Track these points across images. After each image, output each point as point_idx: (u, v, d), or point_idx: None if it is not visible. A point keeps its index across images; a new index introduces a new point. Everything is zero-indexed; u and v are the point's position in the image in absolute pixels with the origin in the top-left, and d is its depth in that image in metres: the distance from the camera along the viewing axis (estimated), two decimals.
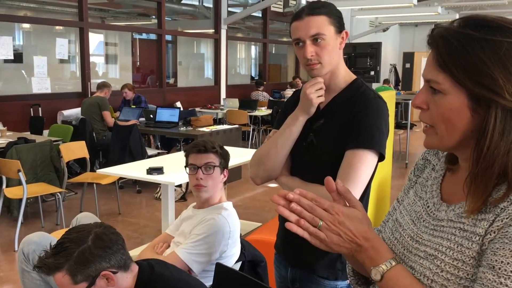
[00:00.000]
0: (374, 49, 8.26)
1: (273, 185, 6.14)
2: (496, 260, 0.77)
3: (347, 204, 0.89)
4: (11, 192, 4.26)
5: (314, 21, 1.45)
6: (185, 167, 2.25)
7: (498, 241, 0.78)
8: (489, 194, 0.81)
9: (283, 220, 1.72)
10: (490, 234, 0.79)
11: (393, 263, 0.86)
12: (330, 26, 1.47)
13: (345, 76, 1.56)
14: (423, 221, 0.93)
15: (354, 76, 1.59)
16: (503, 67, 0.78)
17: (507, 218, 0.78)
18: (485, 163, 0.80)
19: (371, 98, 1.50)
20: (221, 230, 2.09)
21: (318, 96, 1.51)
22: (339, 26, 1.50)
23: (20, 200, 4.18)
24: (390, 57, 16.43)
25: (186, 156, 2.26)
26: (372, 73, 8.18)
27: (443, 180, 0.97)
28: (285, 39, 13.34)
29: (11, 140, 4.77)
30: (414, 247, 0.91)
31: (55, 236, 2.72)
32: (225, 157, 2.25)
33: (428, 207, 0.94)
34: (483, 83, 0.78)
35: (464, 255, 0.82)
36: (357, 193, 1.43)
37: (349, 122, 1.47)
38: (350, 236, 0.84)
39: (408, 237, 0.94)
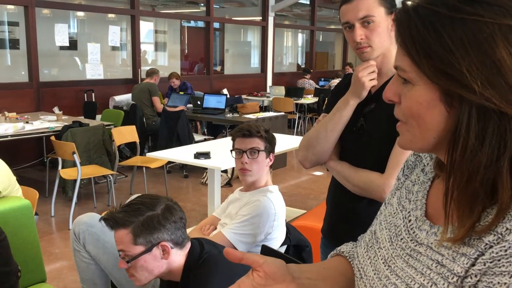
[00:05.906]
0: None
1: (318, 173, 6.12)
2: None
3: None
4: (66, 173, 4.46)
5: (363, 3, 1.41)
6: (231, 151, 2.28)
7: None
8: (477, 219, 0.64)
9: (330, 204, 1.72)
10: (471, 278, 0.63)
11: None
12: (380, 7, 1.42)
13: None
14: (401, 240, 0.77)
15: None
16: (479, 54, 0.60)
17: (491, 262, 0.61)
18: (461, 176, 0.63)
19: None
20: (266, 211, 2.11)
21: (371, 80, 1.47)
22: (390, 6, 1.44)
23: (75, 181, 4.38)
24: None
25: (233, 140, 2.28)
26: None
27: (431, 186, 0.79)
28: (333, 27, 13.15)
29: (66, 123, 4.98)
30: (385, 274, 0.76)
31: None
32: (270, 141, 2.25)
33: (409, 221, 0.77)
34: (448, 72, 0.61)
35: None
36: None
37: None
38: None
39: (381, 259, 0.79)
